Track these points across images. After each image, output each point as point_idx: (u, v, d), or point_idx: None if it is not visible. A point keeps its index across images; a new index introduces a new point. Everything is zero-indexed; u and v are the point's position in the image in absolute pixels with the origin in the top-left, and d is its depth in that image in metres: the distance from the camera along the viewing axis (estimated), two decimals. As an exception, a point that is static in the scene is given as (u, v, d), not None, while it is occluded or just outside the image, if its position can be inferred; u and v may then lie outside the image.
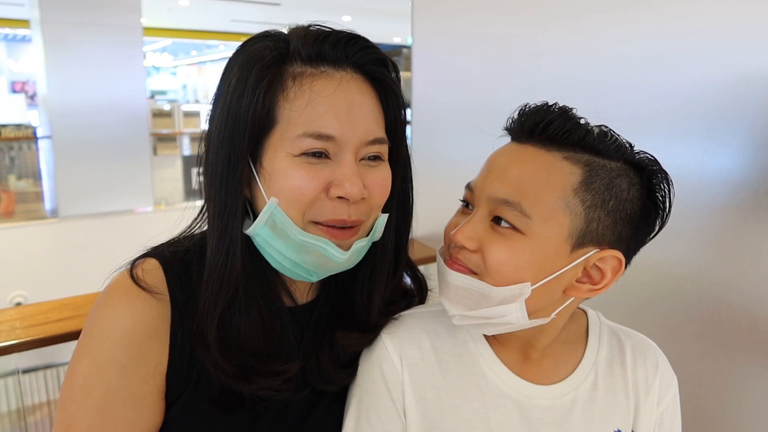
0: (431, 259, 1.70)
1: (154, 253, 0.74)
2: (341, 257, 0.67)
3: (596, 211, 0.62)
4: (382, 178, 0.71)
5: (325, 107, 0.64)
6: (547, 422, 0.68)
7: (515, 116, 0.70)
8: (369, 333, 0.76)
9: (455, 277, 0.65)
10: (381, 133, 0.70)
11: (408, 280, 0.88)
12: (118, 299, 0.68)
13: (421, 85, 1.83)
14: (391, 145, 0.73)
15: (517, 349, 0.72)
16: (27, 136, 5.46)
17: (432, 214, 1.97)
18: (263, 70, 0.65)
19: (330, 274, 0.72)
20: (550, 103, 0.68)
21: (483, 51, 1.60)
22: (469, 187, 0.69)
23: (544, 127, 0.65)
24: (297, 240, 0.66)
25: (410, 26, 1.84)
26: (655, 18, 1.15)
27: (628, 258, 0.67)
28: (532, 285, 0.62)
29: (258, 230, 0.67)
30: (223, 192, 0.67)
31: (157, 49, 12.20)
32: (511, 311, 0.63)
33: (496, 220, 0.64)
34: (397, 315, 0.77)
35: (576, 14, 1.32)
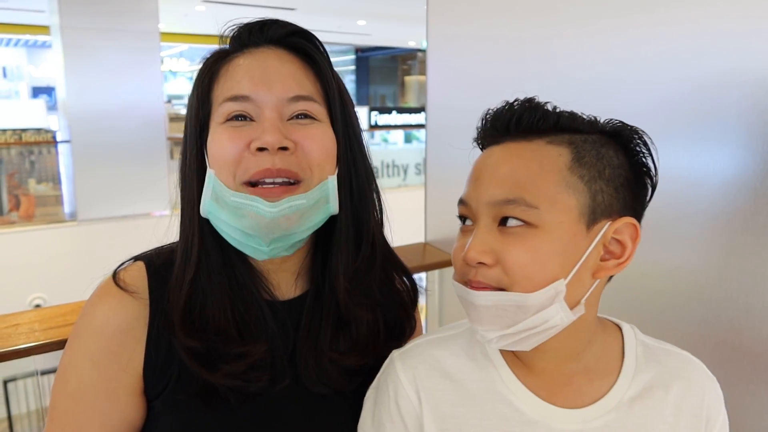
0: (445, 263, 1.69)
1: (141, 256, 0.77)
2: (271, 209, 0.66)
3: (596, 182, 0.61)
4: (313, 133, 0.70)
5: (241, 75, 0.70)
6: None
7: (481, 124, 0.69)
8: (359, 349, 0.75)
9: (483, 298, 0.60)
10: (304, 90, 0.70)
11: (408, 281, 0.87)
12: (97, 297, 0.72)
13: (436, 89, 1.83)
14: (329, 110, 0.73)
15: (544, 370, 0.67)
16: (47, 141, 5.55)
17: (446, 217, 1.97)
18: (205, 70, 0.73)
19: (278, 240, 0.70)
20: (510, 100, 0.68)
21: (497, 55, 1.59)
22: (462, 201, 0.66)
23: (517, 121, 0.64)
24: (231, 203, 0.67)
25: (425, 30, 1.84)
26: (662, 21, 1.13)
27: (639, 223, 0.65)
28: (564, 280, 0.60)
29: (206, 206, 0.70)
30: (185, 182, 0.74)
31: (174, 54, 12.35)
32: (552, 314, 0.60)
33: (503, 222, 0.61)
34: (410, 342, 0.74)
35: (581, 19, 1.31)
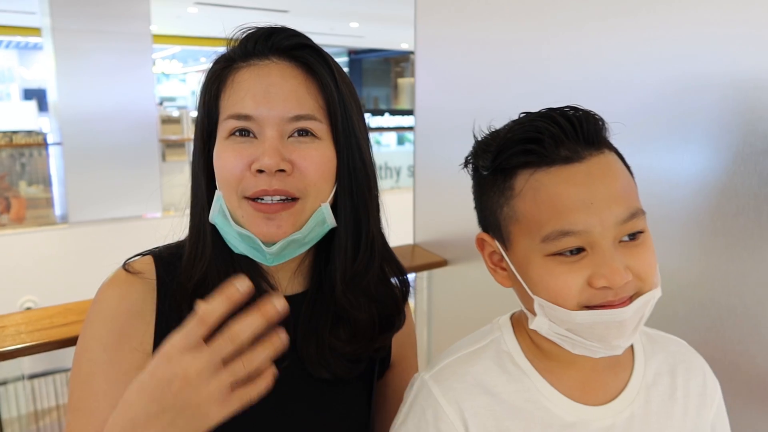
0: (435, 265, 1.71)
1: (149, 251, 0.82)
2: (270, 250, 0.73)
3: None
4: (311, 154, 0.73)
5: (245, 91, 0.73)
6: None
7: (533, 144, 0.62)
8: (358, 340, 0.79)
9: (632, 309, 0.60)
10: (304, 110, 0.73)
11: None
12: (107, 285, 0.77)
13: (424, 91, 1.84)
14: (331, 125, 0.75)
15: (577, 370, 0.68)
16: (38, 143, 5.52)
17: (434, 219, 1.98)
18: (212, 76, 0.77)
19: (280, 258, 0.76)
20: (543, 112, 0.64)
21: (485, 58, 1.61)
22: (571, 233, 0.60)
23: (581, 129, 0.62)
24: (236, 230, 0.74)
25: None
26: (643, 25, 1.15)
27: None
28: None
29: (214, 219, 0.76)
30: (194, 186, 0.79)
31: (166, 56, 12.31)
32: (656, 295, 0.63)
33: (631, 237, 0.62)
34: (437, 362, 0.76)
35: (567, 23, 1.33)
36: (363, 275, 0.80)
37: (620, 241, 0.61)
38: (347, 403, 0.77)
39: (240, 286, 0.56)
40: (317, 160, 0.73)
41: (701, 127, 1.08)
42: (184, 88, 13.30)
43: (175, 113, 6.76)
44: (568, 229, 0.60)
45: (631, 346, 0.72)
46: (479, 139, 0.69)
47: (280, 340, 0.56)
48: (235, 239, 0.75)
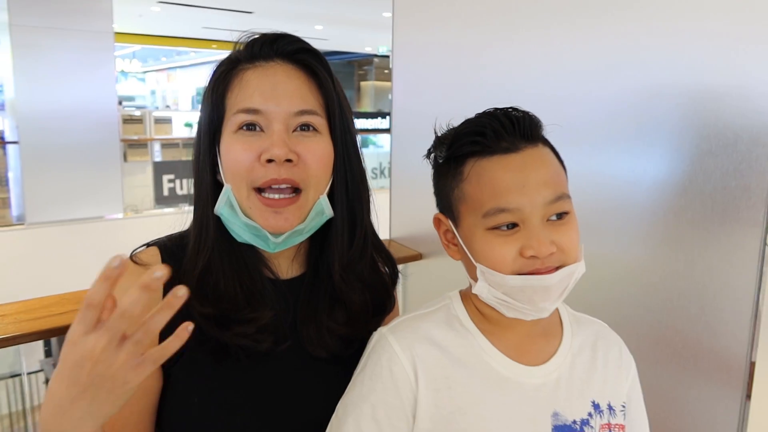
0: (410, 258, 1.82)
1: (153, 242, 0.87)
2: (275, 240, 0.80)
3: None
4: (314, 147, 0.80)
5: (253, 88, 0.79)
6: (540, 398, 0.76)
7: (478, 137, 0.74)
8: (354, 322, 0.86)
9: (557, 276, 0.71)
10: (308, 105, 0.80)
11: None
12: None
13: (400, 94, 1.93)
14: (329, 121, 0.83)
15: (515, 334, 0.79)
16: (-7, 142, 5.35)
17: (409, 215, 2.07)
18: (219, 76, 0.82)
19: (282, 246, 0.82)
20: (489, 111, 0.77)
21: (459, 62, 1.69)
22: (506, 210, 0.71)
23: (523, 130, 0.74)
24: (243, 221, 0.80)
25: (382, 36, 1.93)
26: (605, 34, 1.27)
27: None
28: None
29: (220, 210, 0.81)
30: (198, 179, 0.84)
31: (125, 55, 12.04)
32: (579, 269, 0.74)
33: (558, 217, 0.72)
34: (393, 321, 0.84)
35: (535, 30, 1.43)
36: (358, 261, 0.88)
37: (548, 220, 0.72)
38: (342, 380, 0.83)
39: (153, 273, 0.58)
40: (319, 153, 0.81)
41: (657, 133, 1.20)
42: (143, 87, 13.03)
43: (137, 113, 6.65)
44: (504, 207, 0.72)
45: (561, 321, 0.84)
46: (439, 134, 0.82)
47: (176, 297, 0.58)
48: (241, 229, 0.81)
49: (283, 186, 0.79)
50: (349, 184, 0.86)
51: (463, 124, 0.79)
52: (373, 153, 8.81)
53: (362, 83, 14.97)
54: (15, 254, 4.81)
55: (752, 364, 1.06)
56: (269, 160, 0.77)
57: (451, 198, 0.78)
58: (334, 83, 0.83)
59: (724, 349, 1.10)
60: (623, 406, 0.82)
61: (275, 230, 0.80)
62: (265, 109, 0.78)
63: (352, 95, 15.11)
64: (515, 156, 0.74)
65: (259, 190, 0.79)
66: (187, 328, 0.60)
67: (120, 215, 5.31)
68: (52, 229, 5.05)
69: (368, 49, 12.78)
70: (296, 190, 0.80)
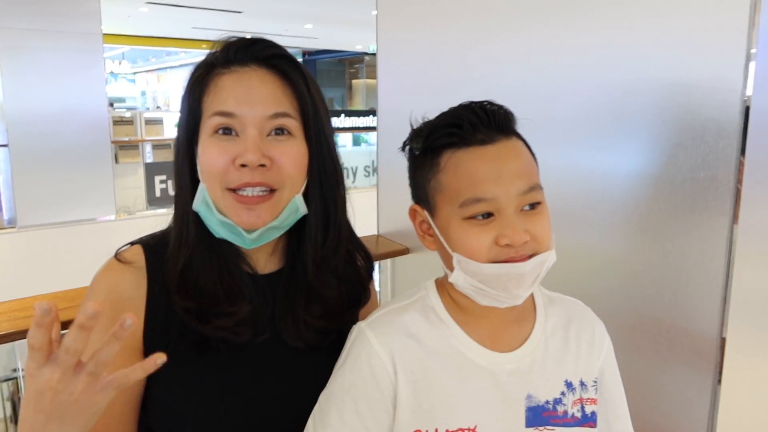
0: (397, 253, 1.85)
1: (137, 241, 0.89)
2: (250, 236, 0.83)
3: None
4: (288, 150, 0.82)
5: (228, 92, 0.81)
6: (514, 382, 0.79)
7: (455, 129, 0.76)
8: (330, 315, 0.89)
9: (530, 264, 0.74)
10: (282, 108, 0.82)
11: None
12: (101, 273, 0.84)
13: (386, 92, 1.96)
14: (303, 123, 0.85)
15: (488, 322, 0.82)
16: (-18, 145, 5.33)
17: (397, 211, 2.11)
18: (196, 80, 0.84)
19: (259, 241, 0.85)
20: (465, 104, 0.80)
21: (443, 60, 1.72)
22: (482, 200, 0.74)
23: (498, 123, 0.77)
24: (218, 218, 0.82)
25: (372, 34, 1.96)
26: (584, 32, 1.31)
27: None
28: None
29: (197, 208, 0.84)
30: (178, 177, 0.87)
31: (115, 56, 11.99)
32: (551, 258, 0.76)
33: (531, 207, 0.75)
34: (372, 314, 0.87)
35: (518, 28, 1.47)
36: (331, 258, 0.91)
37: (522, 210, 0.75)
38: (320, 370, 0.86)
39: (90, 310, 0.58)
40: (293, 156, 0.83)
41: (633, 127, 1.24)
42: (134, 88, 12.98)
43: (128, 114, 6.64)
44: (480, 197, 0.74)
45: (534, 305, 0.87)
46: (415, 127, 0.84)
47: (123, 329, 0.60)
48: (217, 225, 0.83)
49: (257, 189, 0.81)
50: (324, 183, 0.88)
51: (439, 116, 0.81)
52: (365, 151, 8.82)
53: (353, 81, 14.99)
54: (7, 258, 4.80)
55: (723, 340, 1.10)
56: (243, 165, 0.79)
57: (427, 189, 0.80)
58: (309, 86, 0.85)
59: (697, 330, 1.14)
60: (595, 381, 0.85)
61: (248, 227, 0.82)
62: (239, 113, 0.80)
63: (344, 93, 15.12)
64: (491, 147, 0.76)
65: (233, 189, 0.82)
66: (155, 361, 0.62)
67: (112, 217, 5.31)
68: (45, 232, 5.04)
69: (359, 47, 12.79)
70: (271, 190, 0.82)
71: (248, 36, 0.87)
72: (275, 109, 0.81)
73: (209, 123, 0.81)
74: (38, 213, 5.02)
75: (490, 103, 0.79)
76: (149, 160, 6.60)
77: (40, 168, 4.99)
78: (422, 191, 0.82)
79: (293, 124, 0.83)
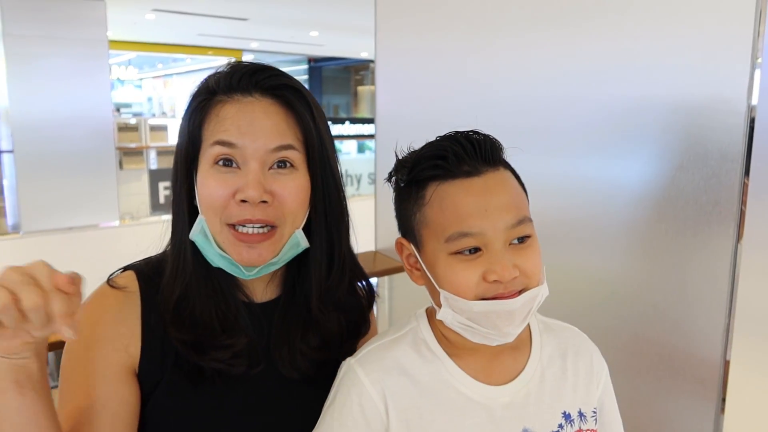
0: (395, 270, 1.81)
1: (131, 266, 0.87)
2: (249, 273, 0.81)
3: None
4: (290, 183, 0.80)
5: (230, 122, 0.79)
6: (509, 417, 0.76)
7: (440, 161, 0.73)
8: (326, 346, 0.87)
9: (520, 301, 0.71)
10: (285, 140, 0.79)
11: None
12: (93, 298, 0.82)
13: (384, 100, 1.94)
14: (307, 155, 0.83)
15: (482, 355, 0.79)
16: (-12, 151, 5.36)
17: (394, 226, 2.07)
18: (197, 103, 0.82)
19: (258, 274, 0.83)
20: (450, 134, 0.77)
21: (442, 68, 1.71)
22: (469, 234, 0.71)
23: (484, 154, 0.74)
24: (217, 252, 0.80)
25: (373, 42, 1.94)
26: (587, 42, 1.28)
27: None
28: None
29: (194, 237, 0.82)
30: (175, 204, 0.85)
31: (122, 62, 12.06)
32: (543, 292, 0.73)
33: (520, 240, 0.72)
34: (363, 348, 0.84)
35: (517, 36, 1.45)
36: (335, 290, 0.89)
37: (510, 244, 0.72)
38: (316, 401, 0.83)
39: None
40: (295, 191, 0.80)
41: (633, 144, 1.22)
42: (140, 94, 13.04)
43: (133, 120, 6.66)
44: (467, 231, 0.71)
45: (530, 334, 0.84)
46: (400, 157, 0.80)
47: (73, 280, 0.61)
48: (215, 256, 0.81)
49: (257, 226, 0.79)
50: (328, 215, 0.87)
51: (424, 147, 0.78)
52: (370, 158, 8.83)
53: (359, 88, 15.00)
54: (12, 262, 4.79)
55: (727, 363, 1.08)
56: (244, 200, 0.77)
57: (413, 222, 0.78)
58: (315, 117, 0.83)
59: (700, 353, 1.12)
60: (594, 412, 0.83)
61: (248, 264, 0.80)
62: (241, 144, 0.78)
63: (349, 101, 15.14)
64: (477, 180, 0.73)
65: (233, 225, 0.79)
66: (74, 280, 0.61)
67: (116, 223, 5.32)
68: (48, 237, 5.05)
69: (364, 54, 12.81)
70: (272, 226, 0.80)
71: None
72: (278, 141, 0.79)
73: (210, 152, 0.79)
74: (42, 218, 5.04)
75: (477, 133, 0.76)
76: (153, 167, 6.62)
77: (45, 174, 5.01)
78: (408, 224, 0.79)
79: (296, 156, 0.81)
